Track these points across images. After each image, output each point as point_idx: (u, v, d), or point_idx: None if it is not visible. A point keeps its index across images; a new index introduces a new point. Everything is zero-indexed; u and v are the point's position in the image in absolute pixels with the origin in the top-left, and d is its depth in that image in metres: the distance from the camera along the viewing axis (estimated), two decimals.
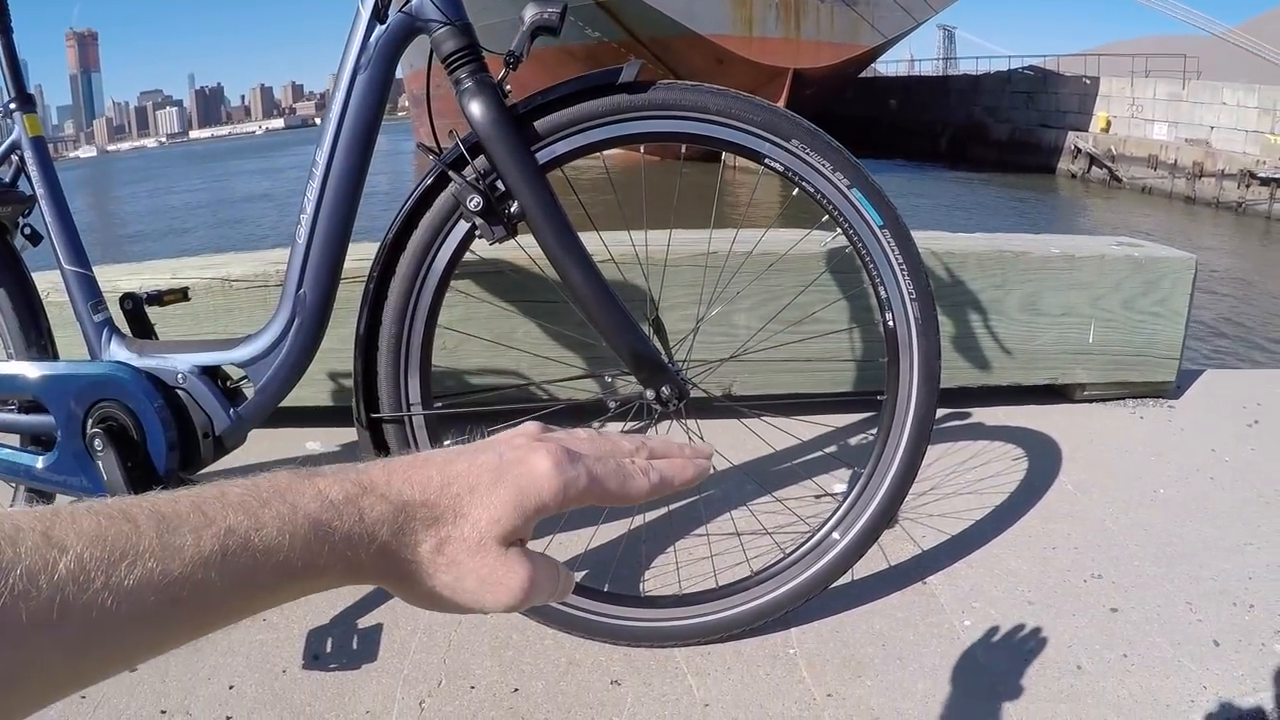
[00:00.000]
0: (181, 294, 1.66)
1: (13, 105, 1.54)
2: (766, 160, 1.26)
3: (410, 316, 1.25)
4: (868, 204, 1.27)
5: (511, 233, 1.23)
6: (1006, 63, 32.33)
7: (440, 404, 1.32)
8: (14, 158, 1.54)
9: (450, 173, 1.22)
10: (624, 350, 1.27)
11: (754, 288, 2.08)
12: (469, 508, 0.48)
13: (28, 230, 1.58)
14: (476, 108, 1.20)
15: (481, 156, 1.22)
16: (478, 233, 1.23)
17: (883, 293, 1.31)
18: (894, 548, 1.63)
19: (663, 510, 1.70)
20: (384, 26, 1.24)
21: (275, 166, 53.69)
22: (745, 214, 2.13)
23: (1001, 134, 27.08)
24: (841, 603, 1.49)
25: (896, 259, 1.29)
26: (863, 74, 29.73)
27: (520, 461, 0.50)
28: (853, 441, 2.11)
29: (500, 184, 1.22)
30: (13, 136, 1.54)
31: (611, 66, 1.25)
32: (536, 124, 1.24)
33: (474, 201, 1.20)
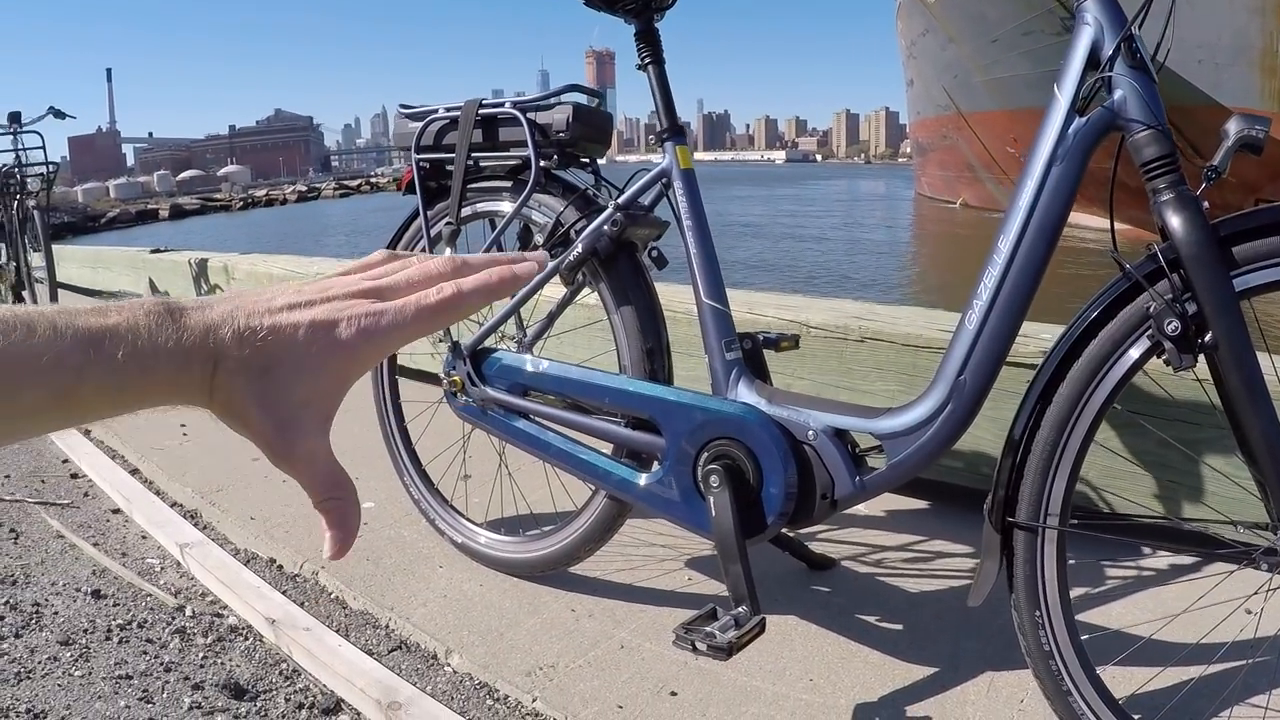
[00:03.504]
0: (794, 342, 1.71)
1: (665, 135, 1.62)
2: None
3: (1071, 427, 1.21)
4: None
5: (1195, 363, 1.16)
6: None
7: (1075, 521, 1.26)
8: (659, 185, 1.62)
9: (1149, 289, 1.16)
10: None
11: None
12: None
13: (654, 253, 1.65)
14: (1179, 223, 1.14)
15: (1176, 275, 1.16)
16: (1163, 356, 1.17)
17: None
18: None
19: None
20: (1083, 120, 1.21)
21: (772, 195, 55.83)
22: None
23: None
24: None
25: None
26: None
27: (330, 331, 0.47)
28: None
29: (1191, 307, 1.15)
30: (663, 164, 1.61)
31: None
32: (1235, 249, 1.16)
33: (1171, 325, 1.13)
